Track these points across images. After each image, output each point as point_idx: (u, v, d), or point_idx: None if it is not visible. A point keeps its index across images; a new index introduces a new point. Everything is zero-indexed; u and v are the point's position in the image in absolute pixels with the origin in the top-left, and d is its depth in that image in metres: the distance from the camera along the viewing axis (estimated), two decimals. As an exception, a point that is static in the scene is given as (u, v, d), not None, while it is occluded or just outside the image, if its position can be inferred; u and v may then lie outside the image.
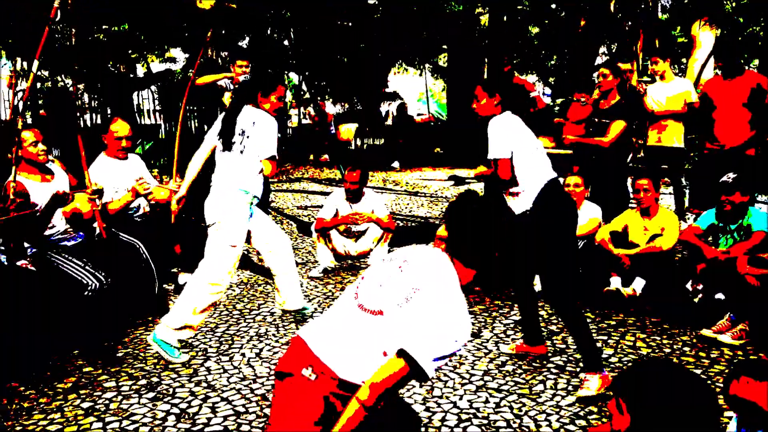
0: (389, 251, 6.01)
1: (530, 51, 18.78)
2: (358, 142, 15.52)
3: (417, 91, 26.45)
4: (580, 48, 15.01)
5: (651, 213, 4.96)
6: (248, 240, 4.32)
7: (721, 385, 3.53)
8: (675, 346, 4.13)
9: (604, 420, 3.23)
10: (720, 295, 4.49)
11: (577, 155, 6.15)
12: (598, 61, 16.77)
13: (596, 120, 5.94)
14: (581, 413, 3.31)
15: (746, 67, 5.95)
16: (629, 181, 6.09)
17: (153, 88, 12.55)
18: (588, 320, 4.55)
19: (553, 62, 19.73)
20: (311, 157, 14.91)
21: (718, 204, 4.59)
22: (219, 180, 4.16)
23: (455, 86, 14.88)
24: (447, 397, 3.51)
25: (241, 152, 4.11)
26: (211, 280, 4.00)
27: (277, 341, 4.32)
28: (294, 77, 19.75)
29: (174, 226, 5.02)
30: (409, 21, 14.70)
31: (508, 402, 3.45)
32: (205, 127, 8.21)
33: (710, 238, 4.76)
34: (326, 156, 14.72)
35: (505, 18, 10.68)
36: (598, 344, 4.15)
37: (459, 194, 2.47)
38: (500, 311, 4.83)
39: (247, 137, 4.10)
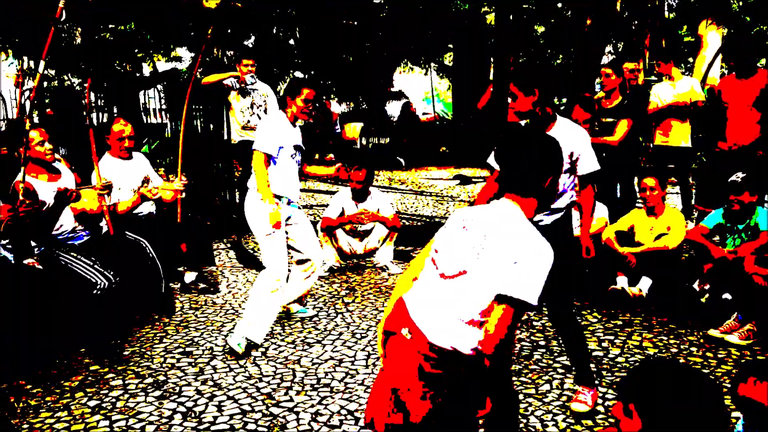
0: (394, 249, 6.01)
1: (536, 50, 18.74)
2: (363, 141, 15.52)
3: (422, 90, 26.45)
4: (585, 47, 14.99)
5: (657, 212, 4.94)
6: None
7: (729, 385, 3.52)
8: (682, 347, 4.12)
9: (611, 420, 3.22)
10: (727, 295, 4.48)
11: None
12: (604, 60, 16.76)
13: (601, 119, 5.93)
14: (588, 413, 3.30)
15: (759, 67, 5.89)
16: (636, 180, 6.07)
17: (159, 87, 12.56)
18: (594, 320, 4.56)
19: (558, 61, 19.70)
20: (316, 156, 14.92)
21: (726, 203, 4.58)
22: (250, 182, 4.31)
23: (461, 85, 14.86)
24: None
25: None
26: (268, 273, 4.19)
27: (282, 340, 4.33)
28: (299, 76, 19.76)
29: (180, 225, 5.04)
30: (414, 20, 14.69)
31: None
32: (211, 126, 8.22)
33: (717, 238, 4.75)
34: (331, 155, 14.73)
35: (511, 17, 10.63)
36: (605, 344, 4.15)
37: (504, 131, 2.57)
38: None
39: None
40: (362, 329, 4.51)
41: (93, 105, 5.97)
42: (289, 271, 4.35)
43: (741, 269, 4.23)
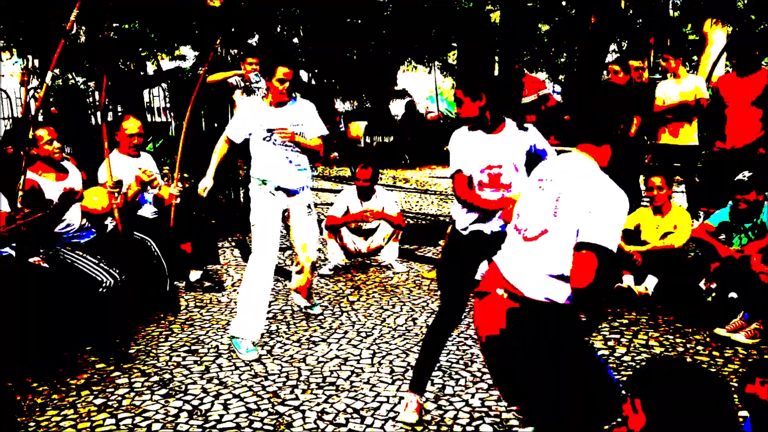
0: (399, 247, 6.01)
1: (540, 48, 18.73)
2: (368, 140, 15.51)
3: (426, 88, 26.41)
4: (590, 46, 14.95)
5: (663, 211, 4.93)
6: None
7: (736, 384, 3.51)
8: (688, 345, 4.11)
9: (618, 419, 3.21)
10: (733, 294, 4.46)
11: None
12: (609, 58, 16.72)
13: None
14: (594, 412, 3.29)
15: (763, 65, 5.87)
16: (641, 179, 6.06)
17: (163, 85, 12.60)
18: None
19: (562, 60, 19.67)
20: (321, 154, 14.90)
21: (733, 202, 4.56)
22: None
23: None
24: (459, 395, 3.50)
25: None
26: (254, 268, 4.11)
27: (288, 338, 4.33)
28: (303, 75, 19.75)
29: (175, 227, 5.02)
30: (418, 18, 14.67)
31: (520, 400, 3.43)
32: (215, 125, 8.22)
33: (723, 237, 4.74)
34: (335, 153, 14.73)
35: (516, 15, 10.62)
36: (611, 343, 4.14)
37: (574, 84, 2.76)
38: (511, 309, 4.81)
39: None
40: (367, 328, 4.51)
41: (103, 104, 5.96)
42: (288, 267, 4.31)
43: (747, 268, 4.22)
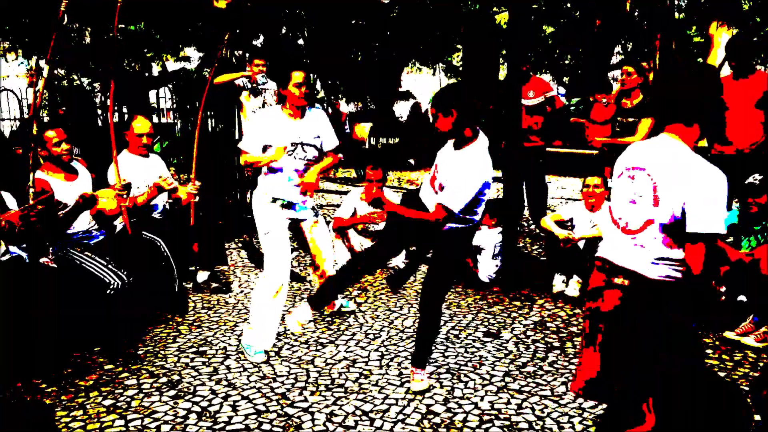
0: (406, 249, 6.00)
1: (544, 50, 18.71)
2: (372, 141, 15.50)
3: (430, 90, 26.41)
4: (595, 47, 14.94)
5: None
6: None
7: (746, 388, 3.50)
8: (697, 349, 4.09)
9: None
10: (743, 297, 4.45)
11: (606, 156, 6.11)
12: (613, 60, 16.71)
13: (622, 120, 5.90)
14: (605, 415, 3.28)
15: (757, 68, 5.83)
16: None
17: (169, 86, 12.60)
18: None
19: (567, 61, 19.65)
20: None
21: (743, 205, 4.54)
22: None
23: (470, 85, 14.83)
24: (468, 398, 3.49)
25: None
26: (265, 275, 4.05)
27: (296, 340, 4.32)
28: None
29: (193, 226, 5.03)
30: (423, 20, 14.67)
31: (530, 403, 3.43)
32: (220, 126, 8.22)
33: (732, 239, 4.72)
34: (340, 155, 14.70)
35: (524, 17, 10.60)
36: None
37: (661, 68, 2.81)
38: (519, 311, 4.80)
39: None
40: (375, 329, 4.50)
41: (107, 105, 5.97)
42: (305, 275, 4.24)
43: (757, 271, 4.20)
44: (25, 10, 11.17)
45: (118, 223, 4.65)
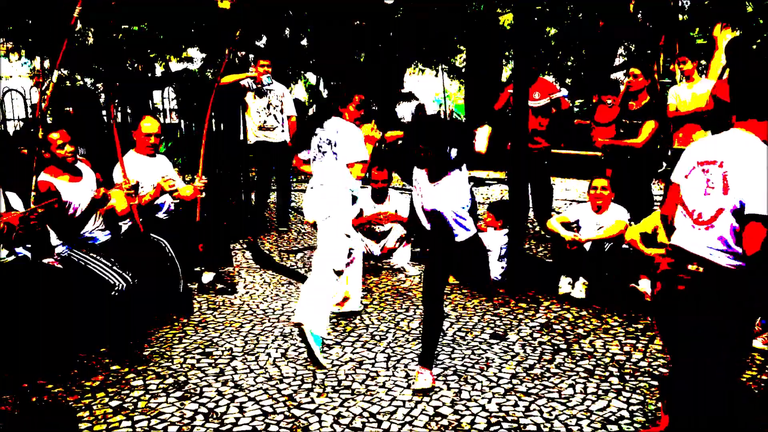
0: (411, 250, 5.99)
1: (547, 51, 18.68)
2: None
3: (432, 91, 26.41)
4: (598, 49, 14.93)
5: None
6: None
7: (755, 391, 3.49)
8: (705, 351, 4.07)
9: (637, 425, 3.19)
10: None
11: (609, 158, 6.10)
12: (617, 62, 16.69)
13: (626, 121, 5.89)
14: (612, 418, 3.27)
15: None
16: (656, 184, 6.02)
17: (172, 87, 12.61)
18: (615, 324, 4.53)
19: (570, 63, 19.62)
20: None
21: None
22: (321, 182, 4.36)
23: (473, 87, 14.82)
24: (475, 400, 3.48)
25: (336, 159, 4.31)
26: (334, 267, 4.20)
27: (302, 341, 4.30)
28: (311, 77, 19.76)
29: (198, 225, 5.04)
30: (427, 21, 14.65)
31: (538, 406, 3.41)
32: (222, 126, 8.21)
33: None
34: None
35: (528, 18, 10.55)
36: (627, 348, 4.12)
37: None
38: (525, 313, 4.79)
39: (335, 145, 4.31)
40: (381, 331, 4.49)
41: (115, 106, 5.97)
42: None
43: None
44: (28, 11, 11.18)
45: (124, 225, 4.65)
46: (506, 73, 18.91)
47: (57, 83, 3.89)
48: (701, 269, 2.55)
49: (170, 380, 3.75)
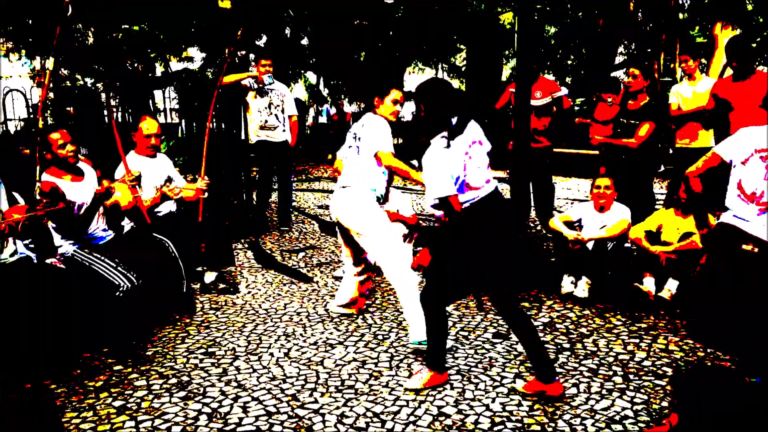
0: (413, 249, 5.98)
1: (547, 50, 18.68)
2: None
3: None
4: (598, 48, 14.92)
5: (687, 213, 4.92)
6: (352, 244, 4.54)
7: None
8: (708, 350, 4.07)
9: (641, 425, 3.19)
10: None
11: (605, 156, 6.09)
12: (617, 60, 16.69)
13: (624, 121, 5.88)
14: (616, 417, 3.26)
15: (756, 68, 5.78)
16: (657, 183, 6.01)
17: (172, 87, 12.61)
18: (618, 323, 4.52)
19: (570, 62, 19.63)
20: (329, 156, 14.91)
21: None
22: (343, 183, 4.37)
23: (473, 86, 14.81)
24: (479, 400, 3.47)
25: (357, 153, 4.32)
26: (405, 269, 4.15)
27: (304, 341, 4.31)
28: (311, 77, 19.76)
29: (200, 225, 5.04)
30: (427, 20, 14.65)
31: (542, 405, 3.41)
32: (223, 126, 8.21)
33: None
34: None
35: (530, 17, 10.53)
36: (630, 347, 4.11)
37: None
38: (528, 313, 4.78)
39: (359, 139, 4.32)
40: (384, 330, 4.49)
41: (112, 105, 5.97)
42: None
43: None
44: (28, 11, 11.18)
45: (126, 225, 4.65)
46: (506, 72, 18.92)
47: (55, 82, 3.89)
48: (756, 249, 2.72)
49: (173, 380, 3.75)
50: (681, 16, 15.90)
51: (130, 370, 3.88)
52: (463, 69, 19.10)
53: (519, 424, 3.22)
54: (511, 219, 3.58)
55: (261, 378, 3.77)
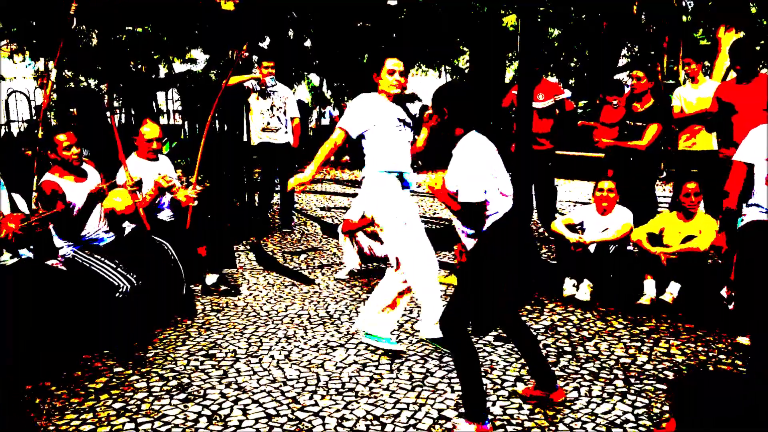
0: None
1: (551, 53, 18.68)
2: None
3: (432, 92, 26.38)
4: (602, 50, 14.90)
5: (691, 216, 4.90)
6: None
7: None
8: (710, 354, 4.06)
9: (642, 429, 3.18)
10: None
11: (612, 158, 6.08)
12: (620, 63, 16.66)
13: (630, 123, 5.87)
14: (617, 421, 3.25)
15: (760, 71, 5.76)
16: (659, 185, 5.99)
17: (175, 88, 12.64)
18: (620, 326, 4.51)
19: (573, 64, 19.62)
20: (332, 158, 14.90)
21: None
22: (362, 174, 4.03)
23: (476, 88, 14.81)
24: (480, 403, 3.46)
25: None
26: (418, 265, 3.83)
27: (305, 343, 4.30)
28: (314, 79, 19.78)
29: (191, 230, 5.02)
30: (429, 22, 14.65)
31: (542, 409, 3.39)
32: (225, 127, 8.22)
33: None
34: (347, 157, 14.72)
35: (532, 20, 10.53)
36: (632, 351, 4.10)
37: None
38: (530, 315, 4.77)
39: None
40: (385, 333, 4.47)
41: (112, 107, 5.97)
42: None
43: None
44: (32, 12, 11.20)
45: (127, 227, 4.65)
46: (509, 74, 18.90)
47: (58, 83, 3.92)
48: None
49: (174, 382, 3.74)
50: (684, 18, 15.87)
51: (130, 371, 3.88)
52: (467, 71, 19.11)
53: (519, 428, 3.21)
54: (525, 236, 3.50)
55: (261, 380, 3.77)
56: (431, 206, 9.39)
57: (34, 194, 3.95)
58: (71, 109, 9.28)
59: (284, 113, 7.22)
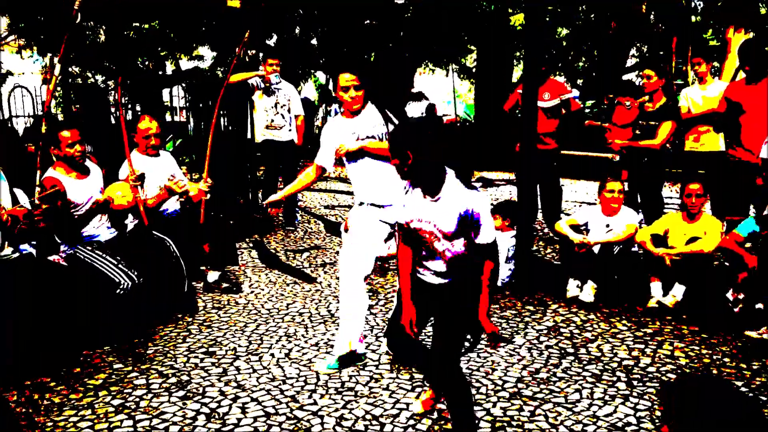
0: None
1: (558, 52, 18.60)
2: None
3: (443, 92, 26.37)
4: (610, 50, 14.83)
5: (695, 218, 4.86)
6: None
7: (765, 398, 3.43)
8: (714, 357, 4.01)
9: (642, 431, 3.15)
10: (760, 305, 4.36)
11: (626, 159, 6.05)
12: (628, 63, 16.58)
13: (643, 123, 5.84)
14: (619, 424, 3.22)
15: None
16: (668, 186, 5.96)
17: (182, 85, 12.64)
18: (623, 328, 4.47)
19: (581, 64, 19.53)
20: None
21: (759, 211, 4.47)
22: None
23: (483, 87, 14.76)
24: (480, 404, 3.43)
25: None
26: (353, 271, 3.84)
27: (306, 342, 4.28)
28: (321, 76, 19.76)
29: (203, 226, 5.02)
30: (437, 21, 14.61)
31: (543, 411, 3.36)
32: (232, 125, 8.22)
33: (749, 245, 4.63)
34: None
35: (538, 19, 10.47)
36: (635, 353, 4.06)
37: None
38: (532, 317, 4.74)
39: None
40: (386, 332, 4.45)
41: (122, 103, 5.97)
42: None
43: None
44: (39, 8, 11.23)
45: (129, 223, 4.64)
46: (517, 74, 18.84)
47: (65, 79, 3.91)
48: None
49: (173, 379, 3.73)
50: (694, 19, 15.78)
51: (130, 368, 3.87)
52: (474, 70, 19.05)
53: (520, 430, 3.18)
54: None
55: (261, 378, 3.75)
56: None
57: (37, 190, 3.93)
58: (73, 106, 9.30)
59: (288, 111, 7.20)
